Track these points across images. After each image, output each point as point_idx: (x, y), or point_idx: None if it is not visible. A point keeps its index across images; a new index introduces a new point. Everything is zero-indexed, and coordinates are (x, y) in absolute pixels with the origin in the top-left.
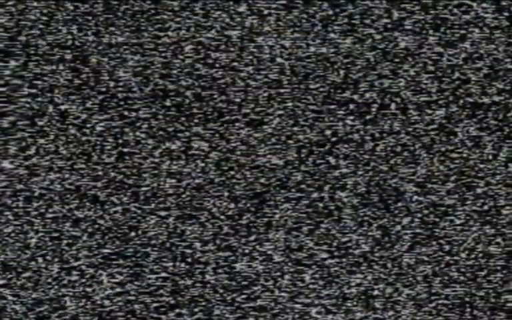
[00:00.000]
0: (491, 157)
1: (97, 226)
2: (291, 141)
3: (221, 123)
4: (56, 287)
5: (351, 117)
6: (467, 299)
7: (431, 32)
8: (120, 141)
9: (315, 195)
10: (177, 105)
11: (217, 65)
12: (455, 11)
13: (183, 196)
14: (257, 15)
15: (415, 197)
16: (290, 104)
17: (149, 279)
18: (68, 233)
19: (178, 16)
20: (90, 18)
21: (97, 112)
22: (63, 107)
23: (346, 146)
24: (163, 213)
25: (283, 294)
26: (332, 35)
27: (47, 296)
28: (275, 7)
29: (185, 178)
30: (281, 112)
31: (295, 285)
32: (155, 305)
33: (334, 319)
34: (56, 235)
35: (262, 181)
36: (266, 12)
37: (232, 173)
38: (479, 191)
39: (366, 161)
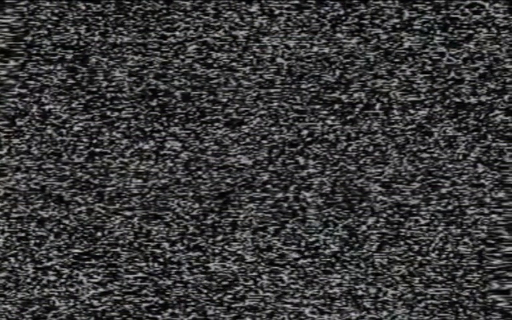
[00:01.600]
0: (461, 157)
1: (62, 226)
2: (264, 141)
3: (200, 122)
4: (38, 287)
5: (332, 117)
6: (454, 299)
7: (438, 32)
8: (94, 141)
9: (280, 195)
10: (161, 105)
11: (215, 65)
12: (466, 10)
13: (148, 196)
14: (267, 15)
15: (380, 197)
16: (275, 104)
17: (128, 278)
18: (34, 233)
19: (188, 16)
20: (100, 18)
21: (79, 112)
22: (46, 107)
23: (318, 146)
24: (127, 213)
25: (268, 294)
26: (338, 35)
27: (32, 296)
28: (287, 7)
29: (151, 178)
30: (263, 112)
31: (276, 285)
32: (145, 304)
33: (330, 319)
34: (22, 235)
35: (228, 180)
36: (277, 12)
37: (199, 172)
38: (443, 191)
39: (335, 161)
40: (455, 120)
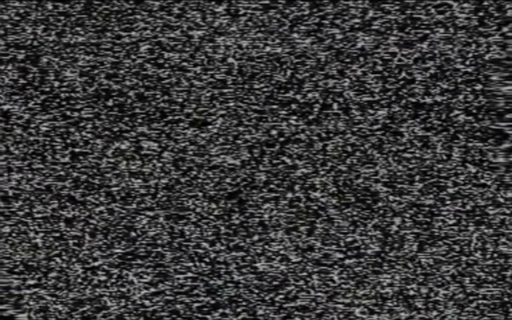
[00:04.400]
0: (444, 157)
1: (92, 226)
2: (239, 141)
3: (165, 122)
4: (90, 287)
5: (294, 117)
6: (506, 299)
7: (395, 32)
8: (68, 141)
9: (289, 195)
10: (119, 105)
11: (166, 65)
12: (432, 10)
13: (159, 196)
14: (231, 15)
15: (391, 197)
16: (232, 104)
17: (178, 278)
18: (69, 233)
19: (152, 16)
20: (62, 18)
21: (39, 112)
22: (5, 107)
23: (296, 146)
24: (149, 213)
25: (320, 294)
26: (294, 35)
27: (84, 296)
28: (255, 7)
29: (149, 178)
30: (223, 112)
31: (327, 285)
32: (196, 305)
33: (379, 319)
34: (57, 235)
35: (228, 180)
36: (242, 12)
37: (193, 173)
38: (451, 191)
39: (322, 161)
40: (418, 120)
